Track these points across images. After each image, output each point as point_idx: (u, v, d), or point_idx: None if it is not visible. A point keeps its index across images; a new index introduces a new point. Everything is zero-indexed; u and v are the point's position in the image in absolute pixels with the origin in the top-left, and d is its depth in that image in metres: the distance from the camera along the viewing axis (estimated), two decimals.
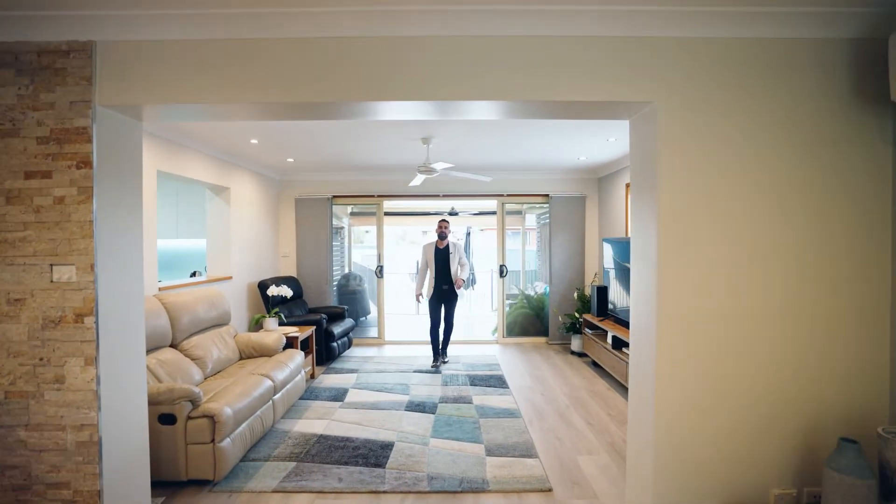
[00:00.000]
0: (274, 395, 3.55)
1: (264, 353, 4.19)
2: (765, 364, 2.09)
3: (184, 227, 6.17)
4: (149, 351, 3.22)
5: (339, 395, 4.41)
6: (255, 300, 5.76)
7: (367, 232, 14.80)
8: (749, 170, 2.06)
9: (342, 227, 8.87)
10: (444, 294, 5.31)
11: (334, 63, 2.05)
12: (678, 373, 2.09)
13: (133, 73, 2.07)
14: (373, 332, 7.04)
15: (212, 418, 2.74)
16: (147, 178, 3.78)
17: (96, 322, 2.05)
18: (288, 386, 3.86)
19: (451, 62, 2.04)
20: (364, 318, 8.46)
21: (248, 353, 4.20)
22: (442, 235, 5.18)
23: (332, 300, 6.61)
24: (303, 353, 4.37)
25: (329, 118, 2.39)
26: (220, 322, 4.19)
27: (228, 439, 2.82)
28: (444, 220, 5.23)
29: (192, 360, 3.58)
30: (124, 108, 2.13)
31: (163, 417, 2.68)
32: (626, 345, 4.53)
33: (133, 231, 2.32)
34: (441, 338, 5.48)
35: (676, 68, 2.04)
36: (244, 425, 3.04)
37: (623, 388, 4.54)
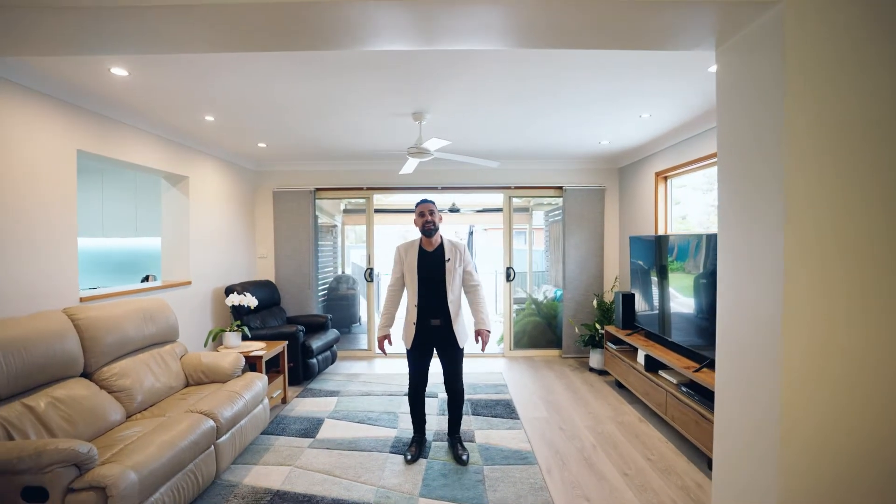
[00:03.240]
0: (218, 438, 2.74)
1: (217, 377, 3.38)
2: None
3: (143, 223, 5.37)
4: (41, 386, 2.42)
5: (310, 429, 3.59)
6: (223, 310, 4.95)
7: None
8: None
9: (335, 226, 8.13)
10: (434, 335, 3.05)
11: None
12: (821, 456, 1.26)
13: None
14: (363, 343, 6.23)
15: (103, 490, 1.92)
16: (63, 160, 2.99)
17: None
18: (242, 422, 3.04)
19: None
20: (357, 324, 7.69)
21: (198, 379, 3.38)
22: (428, 230, 3.04)
23: (315, 307, 5.80)
24: (266, 377, 3.56)
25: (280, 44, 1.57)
26: (162, 340, 3.38)
27: None
28: (427, 202, 3.09)
29: (114, 392, 2.77)
30: None
31: (29, 492, 1.87)
32: (663, 367, 3.71)
33: None
34: (448, 417, 3.24)
35: None
36: (164, 489, 2.23)
37: (659, 420, 3.71)
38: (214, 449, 2.70)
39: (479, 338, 3.12)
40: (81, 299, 3.14)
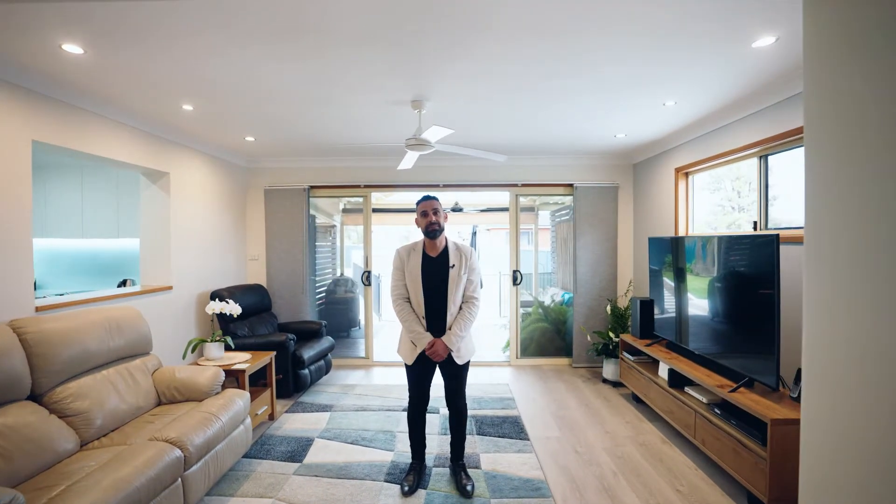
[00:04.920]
0: (186, 469, 2.39)
1: (193, 395, 3.02)
2: None
3: (126, 224, 5.04)
4: None
5: (298, 451, 3.24)
6: (208, 317, 4.60)
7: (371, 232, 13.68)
8: None
9: (333, 226, 7.82)
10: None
11: None
12: None
13: None
14: (362, 350, 5.87)
15: None
16: (15, 151, 2.64)
17: None
18: (218, 448, 2.69)
19: None
20: (357, 328, 7.35)
21: (171, 397, 3.03)
22: (432, 231, 2.65)
23: (309, 313, 5.45)
24: (249, 394, 3.21)
25: None
26: (132, 353, 3.03)
27: None
28: (430, 199, 2.70)
29: (67, 417, 2.42)
30: None
31: None
32: (690, 382, 3.34)
33: None
34: (450, 439, 2.88)
35: None
36: None
37: (685, 442, 3.34)
38: (182, 482, 2.35)
39: (434, 345, 2.62)
40: (37, 308, 2.79)
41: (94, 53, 2.41)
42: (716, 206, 4.22)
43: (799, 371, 2.56)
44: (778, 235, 2.51)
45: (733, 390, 2.74)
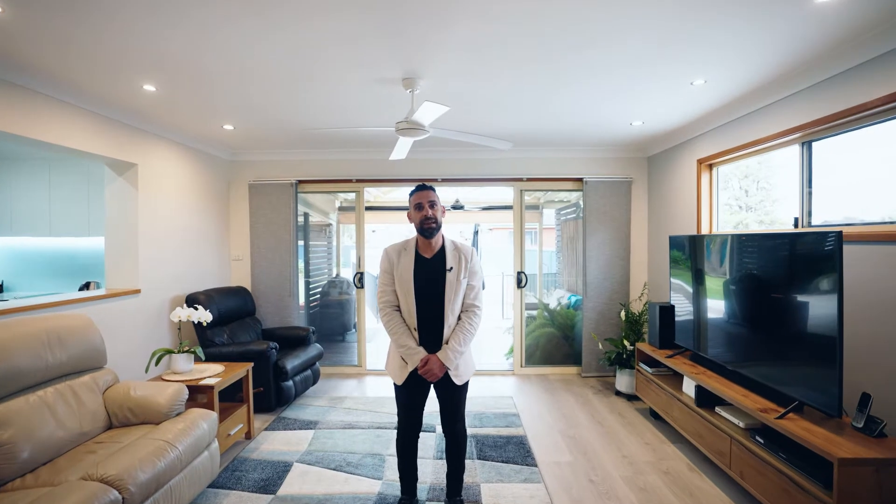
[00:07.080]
0: None
1: (149, 417, 2.62)
2: None
3: (97, 222, 4.64)
4: None
5: (272, 479, 2.83)
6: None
7: (373, 231, 13.10)
8: None
9: (329, 225, 7.44)
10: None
11: None
12: None
13: None
14: (355, 356, 5.46)
15: None
16: None
17: None
18: (173, 482, 2.29)
19: None
20: (353, 331, 6.95)
21: (124, 419, 2.63)
22: (428, 228, 2.24)
23: (296, 317, 5.04)
24: (217, 415, 2.79)
25: None
26: (79, 368, 2.62)
27: None
28: (426, 189, 2.29)
29: None
30: None
31: None
32: (720, 401, 2.92)
33: None
34: (446, 467, 2.46)
35: None
36: None
37: (716, 470, 2.92)
38: None
39: (428, 362, 2.21)
40: None
41: (15, 13, 2.01)
42: (722, 205, 3.90)
43: (864, 395, 2.13)
44: (841, 232, 2.09)
45: (781, 416, 2.32)
